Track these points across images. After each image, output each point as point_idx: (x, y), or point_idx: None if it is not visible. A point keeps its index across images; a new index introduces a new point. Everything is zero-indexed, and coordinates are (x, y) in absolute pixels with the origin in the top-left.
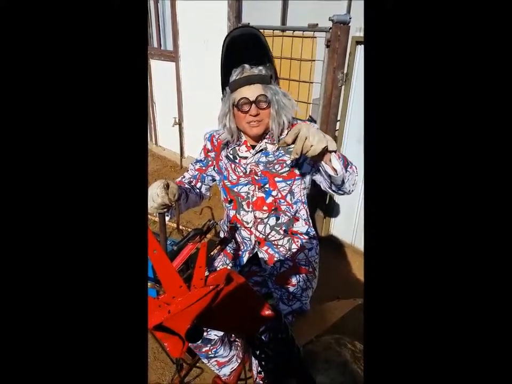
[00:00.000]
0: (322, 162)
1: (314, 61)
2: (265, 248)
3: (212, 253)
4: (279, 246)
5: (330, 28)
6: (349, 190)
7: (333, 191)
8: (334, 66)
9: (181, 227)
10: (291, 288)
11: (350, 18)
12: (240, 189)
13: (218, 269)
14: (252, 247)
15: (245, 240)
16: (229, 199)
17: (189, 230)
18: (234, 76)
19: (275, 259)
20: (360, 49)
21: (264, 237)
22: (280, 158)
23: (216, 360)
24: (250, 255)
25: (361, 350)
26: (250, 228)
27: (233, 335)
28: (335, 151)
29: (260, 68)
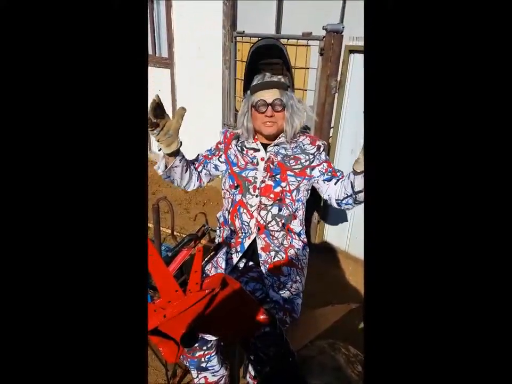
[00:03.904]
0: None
1: (308, 68)
2: (263, 236)
3: (206, 259)
4: (274, 238)
5: (324, 37)
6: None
7: (341, 203)
8: (328, 74)
9: (175, 233)
10: (282, 278)
11: (343, 27)
12: (248, 174)
13: (221, 260)
14: (250, 232)
15: (244, 225)
16: (235, 184)
17: (183, 236)
18: (256, 81)
19: (270, 248)
20: (353, 58)
21: (265, 224)
22: (296, 155)
23: (205, 377)
24: (250, 240)
25: (355, 355)
26: (253, 212)
27: (225, 347)
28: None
29: (280, 77)
